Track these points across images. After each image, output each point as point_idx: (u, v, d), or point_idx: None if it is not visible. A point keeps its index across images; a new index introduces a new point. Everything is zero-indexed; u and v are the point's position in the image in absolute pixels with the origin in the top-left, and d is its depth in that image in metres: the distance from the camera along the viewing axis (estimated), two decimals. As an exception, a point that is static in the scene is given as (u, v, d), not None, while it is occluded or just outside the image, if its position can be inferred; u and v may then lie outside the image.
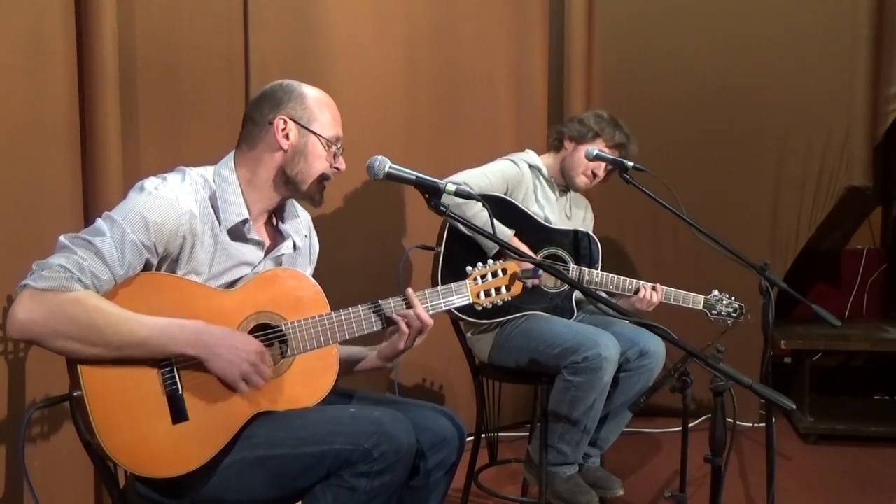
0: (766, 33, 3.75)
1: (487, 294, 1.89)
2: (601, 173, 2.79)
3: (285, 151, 1.78)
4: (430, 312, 1.83)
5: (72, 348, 1.50)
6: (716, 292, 2.76)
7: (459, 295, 1.87)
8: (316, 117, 1.79)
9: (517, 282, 1.90)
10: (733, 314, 2.74)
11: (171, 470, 1.57)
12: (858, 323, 4.06)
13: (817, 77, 3.72)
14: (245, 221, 1.75)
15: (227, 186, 1.75)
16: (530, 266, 1.88)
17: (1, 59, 2.32)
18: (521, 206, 2.69)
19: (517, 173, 2.73)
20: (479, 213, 2.53)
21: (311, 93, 1.82)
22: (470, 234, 2.56)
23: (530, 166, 2.79)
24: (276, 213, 1.90)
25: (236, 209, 1.74)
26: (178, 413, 1.58)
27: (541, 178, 2.81)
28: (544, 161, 2.85)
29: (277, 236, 1.88)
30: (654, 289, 2.66)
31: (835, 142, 3.75)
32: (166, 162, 2.65)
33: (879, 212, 4.35)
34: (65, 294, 1.48)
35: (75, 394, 1.54)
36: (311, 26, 3.08)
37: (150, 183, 1.67)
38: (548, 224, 2.73)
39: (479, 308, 1.90)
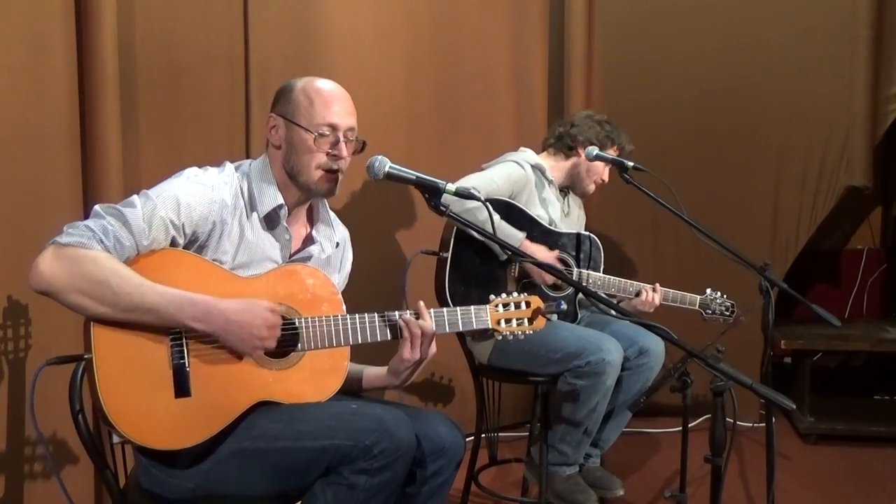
0: (766, 33, 3.75)
1: (508, 323, 1.90)
2: (606, 178, 2.84)
3: (279, 148, 1.82)
4: (447, 330, 1.84)
5: (83, 304, 1.54)
6: (709, 291, 2.78)
7: (479, 319, 1.88)
8: (299, 108, 1.79)
9: (540, 317, 1.90)
10: (725, 312, 2.77)
11: (167, 443, 1.58)
12: (858, 323, 4.06)
13: (817, 77, 3.72)
14: (280, 207, 1.79)
15: (262, 177, 1.82)
16: (552, 300, 1.92)
17: (1, 59, 2.32)
18: (525, 209, 2.67)
19: (522, 175, 2.70)
20: (481, 216, 2.50)
21: (299, 84, 1.82)
22: (481, 238, 2.55)
23: (532, 167, 2.78)
24: (310, 218, 1.93)
25: (272, 195, 1.80)
26: (181, 387, 1.60)
27: (543, 178, 2.80)
28: (545, 162, 2.84)
29: (307, 241, 1.90)
30: (653, 290, 2.67)
31: (835, 142, 3.75)
32: (166, 162, 2.68)
33: (879, 212, 4.35)
34: (84, 251, 1.54)
35: (86, 356, 1.56)
36: (311, 26, 3.08)
37: (190, 171, 1.75)
38: (552, 228, 2.72)
39: (500, 337, 1.90)
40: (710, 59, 3.80)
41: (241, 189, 1.78)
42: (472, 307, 1.88)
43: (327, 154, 1.79)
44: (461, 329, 1.87)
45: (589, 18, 3.80)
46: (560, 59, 3.82)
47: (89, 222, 1.58)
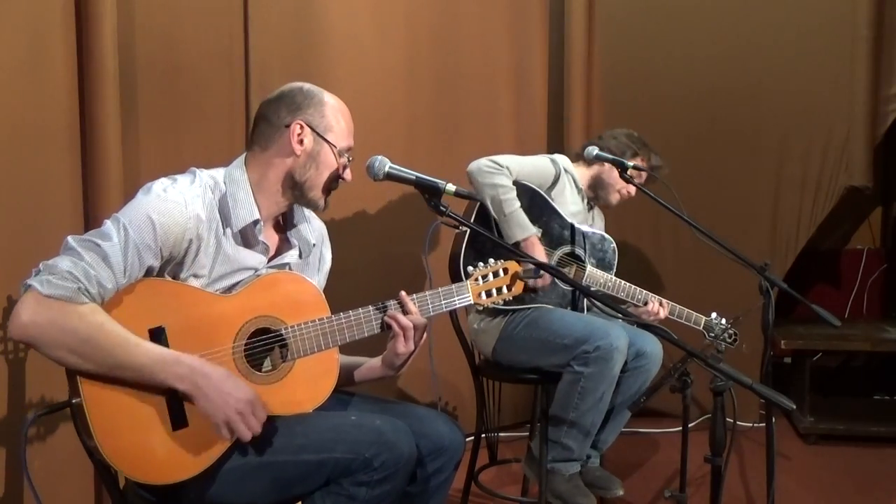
0: (765, 34, 3.76)
1: (489, 294, 1.90)
2: (633, 193, 2.84)
3: (297, 157, 1.76)
4: (431, 314, 1.82)
5: (68, 360, 1.49)
6: (714, 315, 2.78)
7: (461, 296, 1.87)
8: (332, 127, 1.77)
9: (518, 281, 1.91)
10: (728, 339, 2.77)
11: (171, 476, 1.57)
12: (858, 323, 4.06)
13: (817, 77, 3.73)
14: (256, 223, 1.74)
15: (237, 188, 1.74)
16: (531, 266, 1.89)
17: (1, 58, 2.32)
18: (550, 199, 2.70)
19: (552, 171, 2.75)
20: (511, 198, 2.55)
21: (330, 101, 1.79)
22: (492, 221, 2.57)
23: (564, 170, 2.81)
24: (285, 220, 1.88)
25: (247, 210, 1.73)
26: (178, 419, 1.58)
27: (573, 183, 2.83)
28: (575, 170, 2.87)
29: (283, 244, 1.86)
30: (660, 304, 2.68)
31: (835, 142, 3.75)
32: (166, 162, 2.68)
33: (879, 212, 4.35)
34: (70, 305, 1.47)
35: (74, 401, 1.53)
36: (311, 27, 3.08)
37: (160, 185, 1.65)
38: (573, 223, 2.73)
39: (481, 308, 1.91)
40: (710, 59, 3.81)
41: (214, 201, 1.71)
42: (454, 286, 1.87)
43: (338, 176, 1.80)
44: (445, 311, 1.85)
45: (589, 18, 3.80)
46: (560, 60, 3.82)
47: (68, 264, 1.48)
